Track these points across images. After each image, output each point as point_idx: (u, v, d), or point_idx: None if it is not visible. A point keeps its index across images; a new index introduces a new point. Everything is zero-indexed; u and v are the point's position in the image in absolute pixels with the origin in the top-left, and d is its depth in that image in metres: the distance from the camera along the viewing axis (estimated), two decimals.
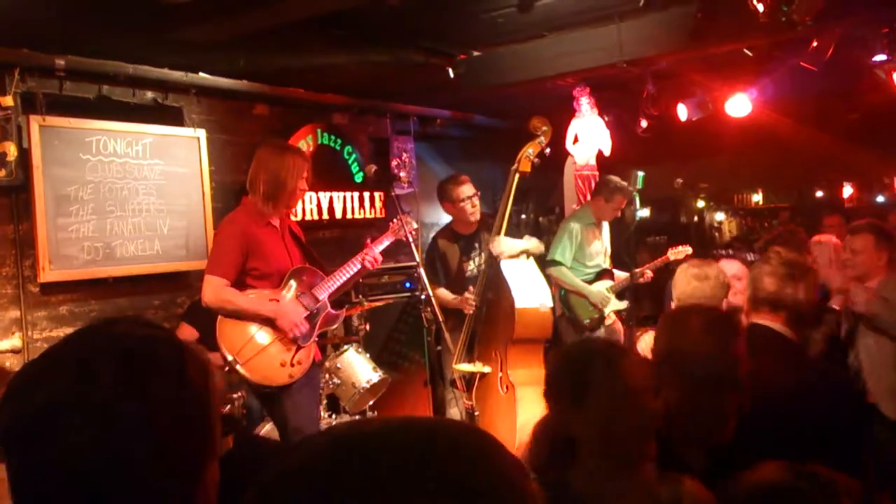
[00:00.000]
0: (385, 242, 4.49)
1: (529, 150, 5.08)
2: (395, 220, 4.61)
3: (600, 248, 6.40)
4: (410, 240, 4.56)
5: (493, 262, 5.04)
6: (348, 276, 4.33)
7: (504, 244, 5.03)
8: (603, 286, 6.26)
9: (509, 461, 0.73)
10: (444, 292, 5.45)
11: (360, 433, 0.74)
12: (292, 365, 4.01)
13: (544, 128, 5.13)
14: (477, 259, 5.54)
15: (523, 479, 0.73)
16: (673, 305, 3.26)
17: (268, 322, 3.99)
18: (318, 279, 4.25)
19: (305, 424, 4.05)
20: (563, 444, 1.86)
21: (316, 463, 0.71)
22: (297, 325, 4.03)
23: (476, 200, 5.54)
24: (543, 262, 6.08)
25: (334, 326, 4.51)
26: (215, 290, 3.88)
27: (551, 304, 5.06)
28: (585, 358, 1.94)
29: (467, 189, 5.52)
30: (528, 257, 5.22)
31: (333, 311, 4.31)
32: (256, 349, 3.92)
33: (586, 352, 2.00)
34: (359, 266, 4.34)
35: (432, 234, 8.32)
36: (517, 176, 5.06)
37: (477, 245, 5.55)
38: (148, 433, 1.05)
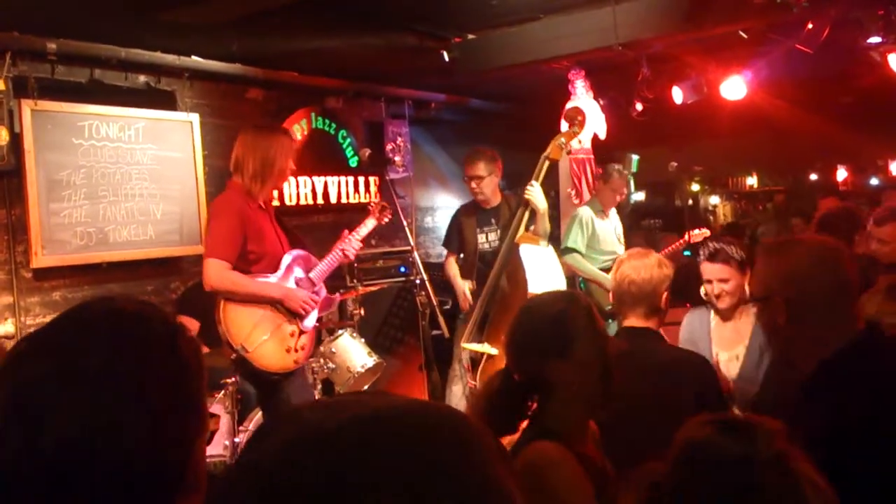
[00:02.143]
0: (366, 228, 4.50)
1: (562, 139, 5.15)
2: (372, 204, 4.64)
3: (612, 234, 6.40)
4: (405, 224, 4.57)
5: (511, 245, 5.08)
6: (335, 264, 4.35)
7: (536, 194, 5.09)
8: None
9: (492, 453, 0.73)
10: (454, 269, 5.67)
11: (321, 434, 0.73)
12: (297, 350, 4.02)
13: (579, 118, 5.22)
14: (492, 235, 5.60)
15: (504, 462, 0.73)
16: (610, 297, 3.19)
17: (274, 304, 3.98)
18: (313, 263, 4.26)
19: None
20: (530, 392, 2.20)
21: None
22: (306, 302, 4.05)
23: (476, 183, 5.60)
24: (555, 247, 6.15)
25: (331, 311, 4.52)
26: (219, 273, 3.81)
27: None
28: (567, 314, 2.22)
29: (470, 169, 5.60)
30: (546, 244, 5.26)
31: (330, 296, 4.34)
32: (263, 336, 3.89)
33: (563, 309, 2.24)
34: (339, 256, 4.35)
35: (426, 218, 8.35)
36: (547, 163, 5.12)
37: (493, 220, 5.60)
38: (141, 405, 1.08)
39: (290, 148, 4.13)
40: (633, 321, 3.03)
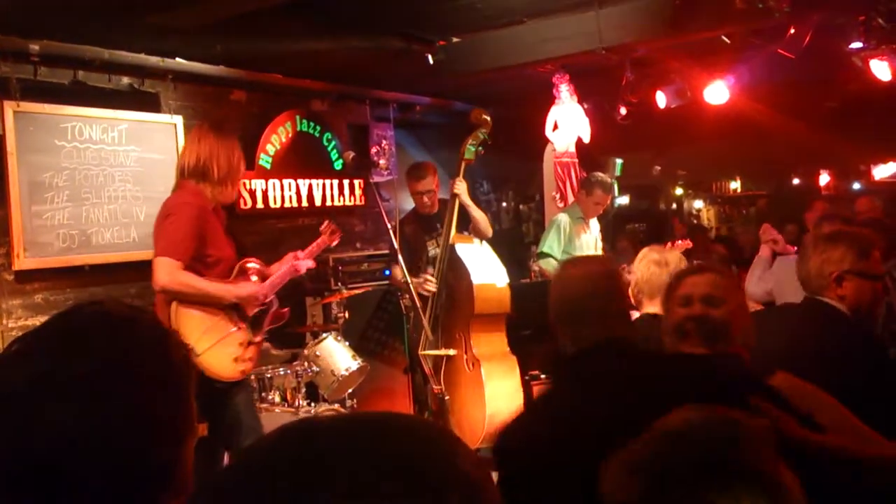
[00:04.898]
0: (318, 247, 4.54)
1: (471, 142, 5.38)
2: (325, 225, 4.66)
3: (591, 241, 6.43)
4: (389, 227, 4.59)
5: (449, 248, 5.23)
6: (286, 277, 4.31)
7: (462, 188, 5.41)
8: None
9: (463, 452, 0.74)
10: (396, 270, 5.58)
11: (308, 425, 0.74)
12: (244, 361, 3.96)
13: (484, 117, 5.45)
14: (439, 239, 5.65)
15: (476, 471, 0.73)
16: (630, 291, 3.29)
17: (226, 310, 3.93)
18: (264, 273, 4.22)
19: (257, 424, 4.05)
20: None
21: (262, 458, 0.72)
22: (258, 296, 4.03)
23: (429, 197, 5.73)
24: (531, 255, 6.24)
25: (280, 325, 4.48)
26: (171, 272, 3.70)
27: (507, 281, 5.32)
28: None
29: (421, 186, 5.72)
30: (481, 242, 5.49)
31: (280, 310, 4.29)
32: (211, 341, 3.81)
33: None
34: (292, 271, 4.32)
35: None
36: (464, 165, 5.37)
37: (438, 225, 5.67)
38: (132, 405, 1.09)
39: (239, 148, 4.14)
40: (652, 309, 3.16)
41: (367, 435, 0.71)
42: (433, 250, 5.67)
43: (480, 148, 5.45)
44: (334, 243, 4.66)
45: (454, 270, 5.26)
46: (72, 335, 1.13)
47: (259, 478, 0.68)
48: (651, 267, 3.16)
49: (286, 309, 4.35)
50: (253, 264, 4.16)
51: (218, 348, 3.85)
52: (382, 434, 0.72)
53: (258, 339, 4.08)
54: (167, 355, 1.16)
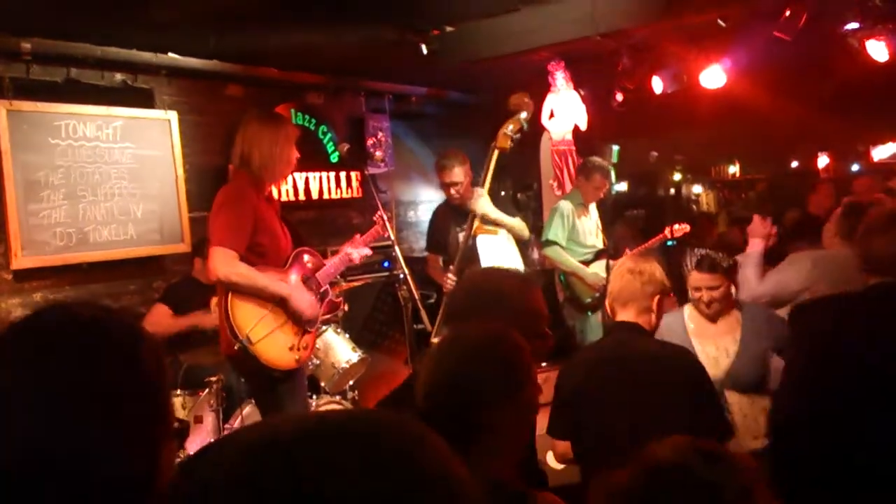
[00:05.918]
0: (371, 237, 4.53)
1: (510, 127, 5.12)
2: (378, 216, 4.63)
3: (593, 227, 6.42)
4: (385, 219, 4.58)
5: (470, 238, 5.10)
6: (341, 267, 4.32)
7: (483, 204, 5.07)
8: (600, 266, 6.25)
9: (440, 448, 0.72)
10: (435, 270, 5.70)
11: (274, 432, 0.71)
12: (299, 349, 3.94)
13: (526, 101, 5.18)
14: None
15: (454, 466, 0.72)
16: (607, 302, 3.30)
17: (279, 302, 3.89)
18: (319, 263, 4.21)
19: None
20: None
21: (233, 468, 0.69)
22: (310, 306, 4.00)
23: (455, 189, 5.56)
24: (532, 243, 6.17)
25: (335, 314, 4.47)
26: (228, 263, 3.69)
27: None
28: (518, 353, 2.04)
29: (445, 177, 5.56)
30: (527, 235, 5.38)
31: (335, 299, 4.28)
32: (267, 330, 3.79)
33: (513, 348, 2.06)
34: (346, 259, 4.32)
35: (409, 212, 8.34)
36: (496, 152, 5.11)
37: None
38: (103, 407, 1.07)
39: (293, 136, 4.10)
40: (625, 317, 3.16)
41: (336, 443, 0.69)
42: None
43: (517, 134, 5.25)
44: (386, 234, 4.67)
45: (473, 263, 5.17)
46: (37, 340, 1.11)
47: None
48: (625, 275, 3.18)
49: (340, 298, 4.35)
50: (307, 255, 4.15)
51: (273, 338, 3.83)
52: (351, 439, 0.70)
53: (314, 328, 4.08)
54: (137, 359, 1.14)
